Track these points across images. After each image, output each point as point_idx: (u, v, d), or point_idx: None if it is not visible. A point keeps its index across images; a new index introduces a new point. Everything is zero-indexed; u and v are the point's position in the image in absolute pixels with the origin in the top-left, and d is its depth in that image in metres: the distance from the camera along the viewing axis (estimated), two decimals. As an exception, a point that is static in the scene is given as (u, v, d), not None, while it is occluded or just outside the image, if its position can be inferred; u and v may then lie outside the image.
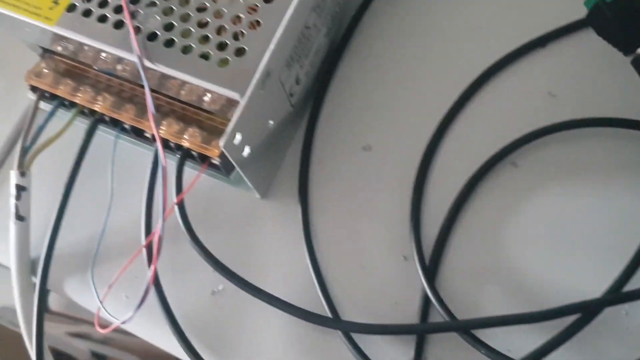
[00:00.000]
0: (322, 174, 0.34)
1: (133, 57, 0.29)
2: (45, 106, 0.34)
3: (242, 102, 0.28)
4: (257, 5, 0.29)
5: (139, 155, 0.33)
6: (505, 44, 0.35)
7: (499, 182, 0.33)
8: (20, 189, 0.33)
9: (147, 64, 0.29)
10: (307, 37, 0.32)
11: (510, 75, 0.35)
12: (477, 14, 0.36)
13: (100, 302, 0.31)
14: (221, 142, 0.27)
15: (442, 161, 0.33)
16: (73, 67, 0.34)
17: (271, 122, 0.31)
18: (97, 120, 0.34)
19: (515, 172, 0.33)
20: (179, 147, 0.32)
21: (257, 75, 0.28)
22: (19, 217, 0.33)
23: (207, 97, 0.31)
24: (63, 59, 0.34)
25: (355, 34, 0.37)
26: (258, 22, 0.29)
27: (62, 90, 0.33)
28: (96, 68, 0.33)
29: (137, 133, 0.33)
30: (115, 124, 0.33)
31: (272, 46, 0.28)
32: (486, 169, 0.32)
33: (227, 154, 0.28)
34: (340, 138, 0.35)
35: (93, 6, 0.31)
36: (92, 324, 0.59)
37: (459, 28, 0.36)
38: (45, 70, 0.34)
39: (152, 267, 0.28)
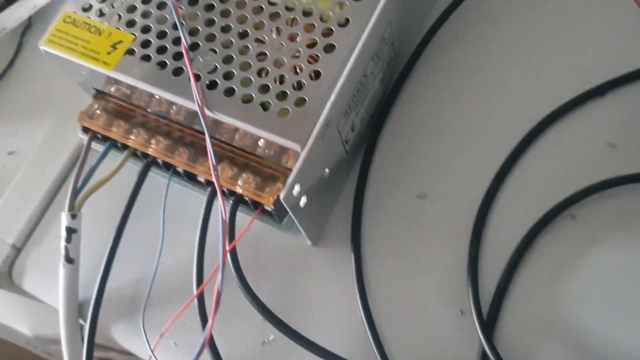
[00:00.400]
0: (375, 222, 0.33)
1: (194, 106, 0.29)
2: (96, 146, 0.34)
3: (303, 154, 0.27)
4: (317, 55, 0.29)
5: (191, 197, 0.33)
6: (563, 92, 0.34)
7: (557, 235, 0.32)
8: (70, 231, 0.33)
9: (208, 113, 0.29)
10: (364, 85, 0.31)
11: (568, 124, 0.34)
12: (533, 60, 0.36)
13: (152, 351, 0.30)
14: (281, 195, 0.27)
15: (499, 212, 0.33)
16: (126, 109, 0.34)
17: (327, 170, 0.31)
18: (149, 162, 0.33)
19: (574, 225, 0.32)
20: (232, 193, 0.31)
21: (318, 126, 0.27)
22: (69, 260, 0.33)
23: (261, 143, 0.30)
24: (116, 100, 0.34)
25: (409, 79, 0.36)
26: (319, 72, 0.29)
27: (115, 133, 0.33)
28: (149, 110, 0.33)
29: (190, 177, 0.33)
30: (168, 167, 0.33)
31: (332, 97, 0.28)
32: (545, 222, 0.32)
33: (286, 206, 0.28)
34: (394, 185, 0.34)
35: (152, 52, 0.30)
36: (118, 351, 0.59)
37: (515, 75, 0.36)
38: (98, 112, 0.34)
39: (210, 325, 0.27)
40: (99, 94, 0.34)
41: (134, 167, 0.34)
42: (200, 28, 0.30)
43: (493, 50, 0.36)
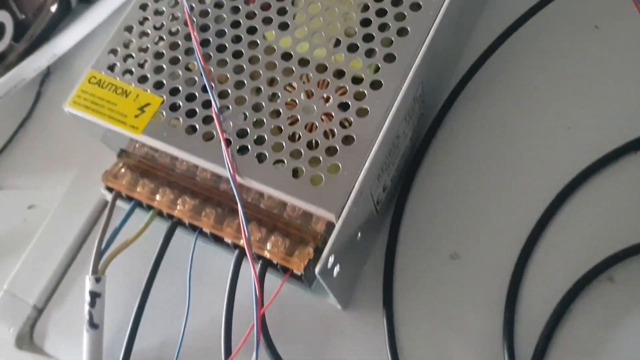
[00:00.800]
0: (407, 284, 0.33)
1: (224, 172, 0.28)
2: (120, 202, 0.34)
3: (338, 225, 0.27)
4: (350, 120, 0.28)
5: (217, 254, 0.32)
6: (595, 146, 0.34)
7: (595, 298, 0.31)
8: (94, 295, 0.32)
9: (239, 179, 0.28)
10: (396, 146, 0.31)
11: (602, 181, 0.33)
12: (564, 113, 0.35)
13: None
14: (317, 269, 0.26)
15: (534, 273, 0.32)
16: (151, 167, 0.33)
17: (359, 234, 0.30)
18: (175, 223, 0.33)
19: (612, 288, 0.31)
20: (260, 256, 0.30)
21: (353, 195, 0.27)
22: (93, 325, 0.32)
23: (289, 207, 0.30)
24: (141, 158, 0.33)
25: (438, 134, 0.35)
26: (352, 138, 0.28)
27: (140, 194, 0.32)
28: (176, 170, 0.32)
29: (216, 237, 0.32)
30: (194, 227, 0.32)
31: (367, 164, 0.27)
32: (582, 284, 0.31)
33: (322, 280, 0.27)
34: (425, 244, 0.33)
35: (181, 115, 0.30)
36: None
37: (546, 129, 0.35)
38: (122, 170, 0.33)
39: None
40: (123, 152, 0.34)
41: (159, 225, 0.33)
42: (229, 90, 0.30)
43: (522, 103, 0.36)
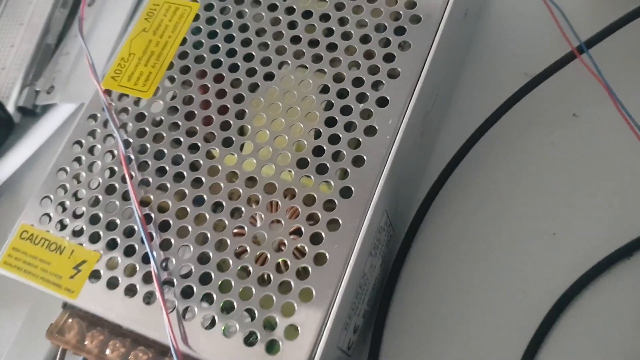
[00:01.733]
0: None
1: (167, 342, 0.25)
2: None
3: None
4: (307, 269, 0.25)
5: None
6: (585, 254, 0.31)
7: None
8: None
9: (184, 349, 0.25)
10: (363, 285, 0.28)
11: (595, 293, 0.30)
12: (549, 218, 0.32)
13: None
14: None
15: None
16: (100, 319, 0.30)
17: (329, 391, 0.27)
18: (128, 378, 0.29)
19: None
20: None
21: (314, 364, 0.24)
22: None
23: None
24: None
25: (411, 253, 0.32)
26: (310, 292, 0.25)
27: (88, 351, 0.29)
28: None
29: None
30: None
31: (329, 324, 0.24)
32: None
33: None
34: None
35: (119, 273, 0.27)
36: None
37: (529, 237, 0.32)
38: (70, 321, 0.30)
39: None
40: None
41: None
42: (172, 240, 0.27)
43: (500, 210, 0.33)
